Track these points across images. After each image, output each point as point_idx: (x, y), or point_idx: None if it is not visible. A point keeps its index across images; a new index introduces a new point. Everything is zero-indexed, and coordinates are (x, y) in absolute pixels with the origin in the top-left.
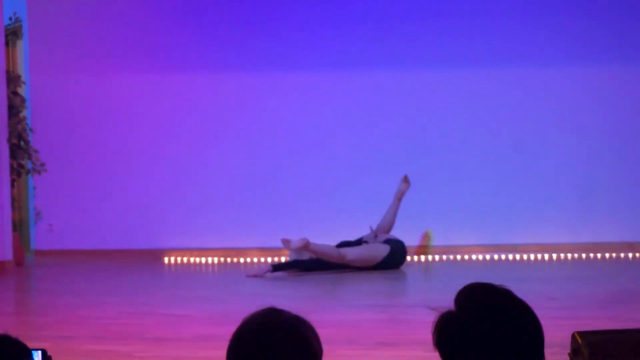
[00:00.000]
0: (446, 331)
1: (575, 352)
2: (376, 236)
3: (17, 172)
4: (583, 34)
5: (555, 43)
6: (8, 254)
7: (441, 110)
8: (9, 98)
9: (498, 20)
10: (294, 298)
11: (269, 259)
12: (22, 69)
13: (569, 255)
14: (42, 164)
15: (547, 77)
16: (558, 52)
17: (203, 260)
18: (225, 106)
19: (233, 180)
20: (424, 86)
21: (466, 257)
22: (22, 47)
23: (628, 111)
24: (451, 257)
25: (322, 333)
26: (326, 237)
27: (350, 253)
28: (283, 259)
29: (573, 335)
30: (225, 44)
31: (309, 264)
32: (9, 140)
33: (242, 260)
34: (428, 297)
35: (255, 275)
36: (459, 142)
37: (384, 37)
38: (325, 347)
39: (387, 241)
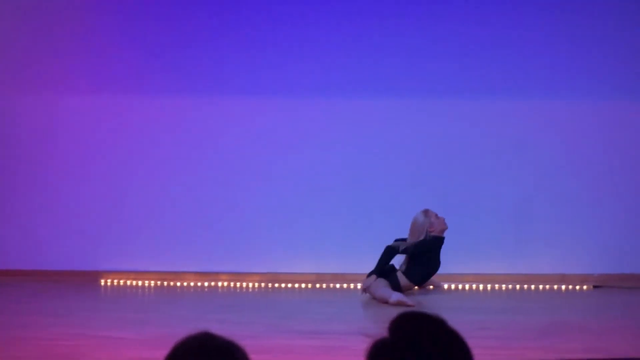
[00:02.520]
0: (379, 358)
1: None
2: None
3: None
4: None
5: (493, 74)
6: None
7: (377, 140)
8: None
9: (434, 52)
10: (229, 323)
11: (206, 283)
12: None
13: (504, 286)
14: None
15: (484, 108)
16: (493, 83)
17: (140, 283)
18: (164, 130)
19: (171, 203)
20: (366, 115)
21: None
22: None
23: (564, 145)
24: None
25: (256, 359)
26: (264, 265)
27: None
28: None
29: None
30: (178, 66)
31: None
32: None
33: (179, 284)
34: (363, 324)
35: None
36: (395, 170)
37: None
38: None
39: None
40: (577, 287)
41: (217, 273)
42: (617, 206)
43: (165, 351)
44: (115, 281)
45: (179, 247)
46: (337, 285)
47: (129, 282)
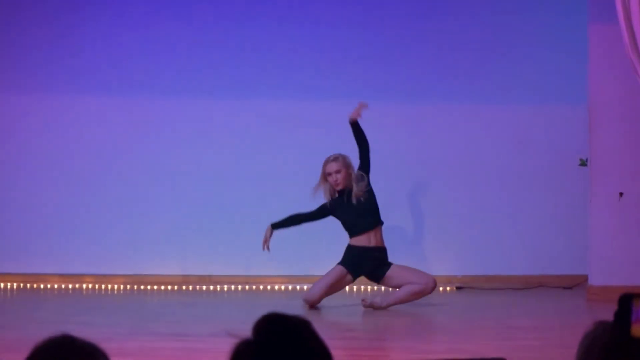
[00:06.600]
0: (242, 359)
1: None
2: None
3: None
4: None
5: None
6: None
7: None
8: None
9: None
10: (92, 325)
11: (70, 285)
12: None
13: (369, 287)
14: None
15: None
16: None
17: (1, 285)
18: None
19: (32, 203)
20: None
21: (268, 287)
22: None
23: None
24: (254, 287)
25: None
26: (129, 266)
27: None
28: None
29: None
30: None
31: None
32: None
33: (42, 286)
34: (228, 326)
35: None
36: (263, 172)
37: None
38: None
39: None
40: (441, 289)
41: (81, 275)
42: (479, 208)
43: (22, 355)
44: None
45: (42, 248)
46: (204, 287)
47: None
